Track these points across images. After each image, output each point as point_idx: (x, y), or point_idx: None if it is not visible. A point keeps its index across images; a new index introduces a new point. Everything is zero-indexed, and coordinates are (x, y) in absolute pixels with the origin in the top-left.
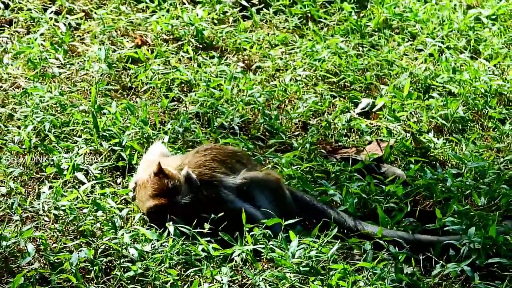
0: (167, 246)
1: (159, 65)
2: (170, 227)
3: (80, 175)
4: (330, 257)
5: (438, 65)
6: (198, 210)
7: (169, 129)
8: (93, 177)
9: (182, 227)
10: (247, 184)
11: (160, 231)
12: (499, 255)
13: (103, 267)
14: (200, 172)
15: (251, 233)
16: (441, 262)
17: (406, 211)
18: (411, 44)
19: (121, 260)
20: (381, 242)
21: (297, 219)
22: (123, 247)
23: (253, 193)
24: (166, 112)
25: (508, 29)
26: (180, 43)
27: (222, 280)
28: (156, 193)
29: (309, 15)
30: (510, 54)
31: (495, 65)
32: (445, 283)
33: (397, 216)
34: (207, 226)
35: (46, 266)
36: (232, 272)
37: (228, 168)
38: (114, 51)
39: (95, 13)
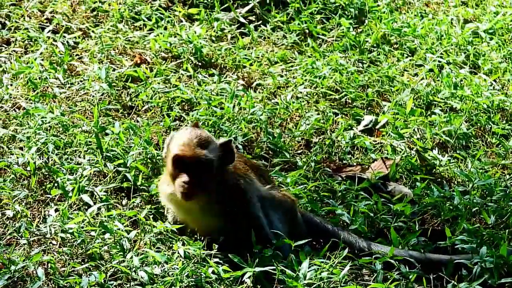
0: (177, 268)
1: (159, 83)
2: (180, 249)
3: (86, 197)
4: (342, 278)
5: (439, 80)
6: (219, 192)
7: None
8: (99, 199)
9: (190, 248)
10: (267, 199)
11: (169, 253)
12: (511, 275)
13: None
14: (234, 165)
15: (261, 254)
16: (453, 281)
17: (415, 230)
18: (410, 60)
19: (131, 284)
20: (392, 261)
21: (306, 240)
22: (133, 270)
23: (268, 211)
24: (168, 131)
25: (506, 43)
26: (179, 61)
27: None
28: (185, 141)
29: (307, 31)
30: (510, 69)
31: (495, 80)
32: None
33: (408, 237)
34: (215, 246)
35: None
36: None
37: (256, 177)
38: (114, 70)
39: (93, 31)
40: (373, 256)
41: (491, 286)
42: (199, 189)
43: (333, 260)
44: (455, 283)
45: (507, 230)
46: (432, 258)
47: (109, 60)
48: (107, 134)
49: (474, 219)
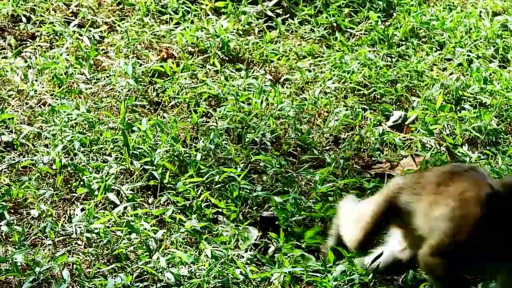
0: (204, 269)
1: (185, 78)
2: (207, 249)
3: (112, 196)
4: (371, 279)
5: (468, 75)
6: None
7: (201, 146)
8: (125, 198)
9: (218, 250)
10: None
11: (196, 253)
12: None
13: None
14: None
15: (290, 254)
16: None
17: None
18: (439, 54)
19: (157, 285)
20: None
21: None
22: (159, 271)
23: None
24: (195, 128)
25: None
26: (206, 55)
27: None
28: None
29: (335, 24)
30: None
31: None
32: None
33: None
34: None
35: None
36: None
37: None
38: (140, 65)
39: (119, 25)
40: None
41: None
42: None
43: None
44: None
45: None
46: None
47: (135, 55)
48: (133, 131)
49: None
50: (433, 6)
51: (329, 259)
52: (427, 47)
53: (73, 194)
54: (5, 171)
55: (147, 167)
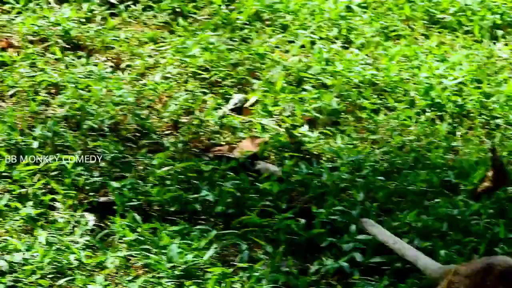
0: (38, 256)
1: (25, 67)
2: (41, 236)
3: None
4: (207, 260)
5: (310, 56)
6: None
7: (38, 134)
8: None
9: (53, 236)
10: None
11: (31, 240)
12: (381, 253)
13: None
14: None
15: (125, 238)
16: (321, 259)
17: (282, 209)
18: (282, 36)
19: None
20: (257, 240)
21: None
22: None
23: None
24: (33, 116)
25: (379, 17)
26: (46, 44)
27: None
28: None
29: (179, 10)
30: (382, 43)
31: (367, 54)
32: (323, 280)
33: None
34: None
35: None
36: (106, 280)
37: None
38: None
39: None
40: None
41: (359, 262)
42: None
43: (199, 243)
44: (322, 259)
45: (375, 204)
46: None
47: None
48: None
49: (343, 195)
50: None
51: (163, 240)
52: (270, 30)
53: None
54: None
55: None
